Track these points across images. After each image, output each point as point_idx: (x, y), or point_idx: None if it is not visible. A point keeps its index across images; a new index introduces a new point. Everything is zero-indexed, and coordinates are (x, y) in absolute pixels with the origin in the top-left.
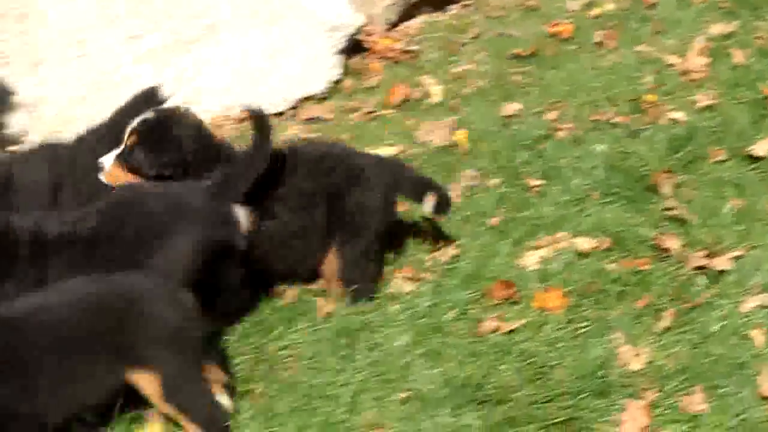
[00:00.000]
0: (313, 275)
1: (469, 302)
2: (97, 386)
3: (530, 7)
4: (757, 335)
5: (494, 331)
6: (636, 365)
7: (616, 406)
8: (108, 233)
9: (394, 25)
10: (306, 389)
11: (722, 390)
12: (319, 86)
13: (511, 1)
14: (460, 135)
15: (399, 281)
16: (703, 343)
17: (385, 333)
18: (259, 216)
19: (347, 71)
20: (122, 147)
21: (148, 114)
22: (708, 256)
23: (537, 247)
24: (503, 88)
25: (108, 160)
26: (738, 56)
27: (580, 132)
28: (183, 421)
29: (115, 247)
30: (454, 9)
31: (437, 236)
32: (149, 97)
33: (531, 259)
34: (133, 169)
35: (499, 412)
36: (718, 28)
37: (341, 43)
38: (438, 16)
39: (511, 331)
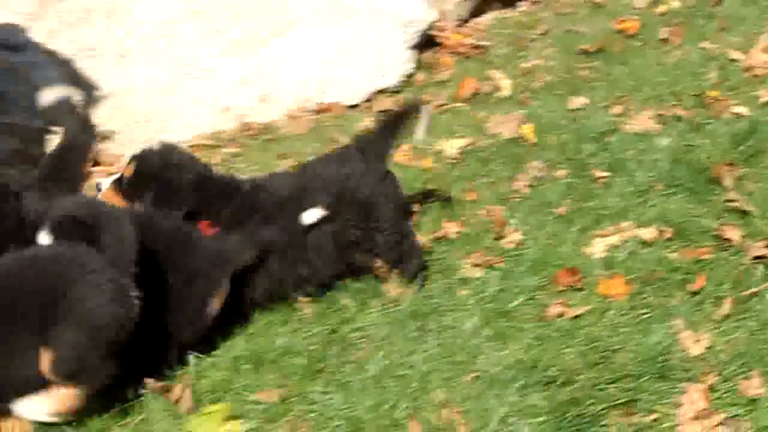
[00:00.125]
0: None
1: (536, 288)
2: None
3: (597, 5)
4: None
5: (560, 316)
6: (696, 350)
7: (676, 390)
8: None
9: (465, 21)
10: (378, 369)
11: None
12: (392, 80)
13: None
14: (528, 128)
15: (468, 267)
16: (761, 329)
17: (454, 317)
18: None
19: (419, 65)
20: (119, 173)
21: (148, 146)
22: None
23: (602, 236)
24: (570, 83)
25: (105, 183)
26: None
27: (644, 126)
28: None
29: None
30: (523, 6)
31: (505, 224)
32: None
33: (596, 248)
34: (127, 196)
35: (563, 392)
36: None
37: (414, 38)
38: (507, 13)
39: (575, 317)
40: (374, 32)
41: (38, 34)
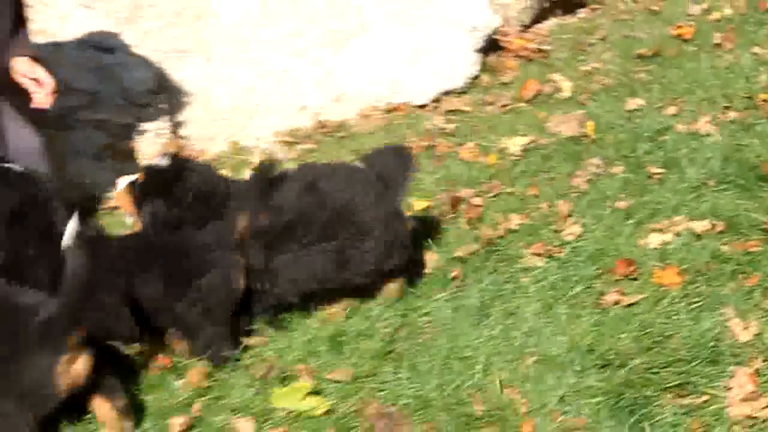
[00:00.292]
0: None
1: (594, 277)
2: None
3: (654, 11)
4: None
5: (616, 303)
6: (744, 337)
7: (726, 373)
8: None
9: (528, 26)
10: (444, 351)
11: None
12: (458, 81)
13: (636, 5)
14: (588, 127)
15: (530, 257)
16: None
17: (517, 303)
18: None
19: (484, 68)
20: (136, 177)
21: (163, 159)
22: None
23: (656, 229)
24: (627, 85)
25: (122, 184)
26: None
27: (697, 125)
28: None
29: None
30: (583, 12)
31: (565, 218)
32: None
33: (651, 240)
34: (136, 200)
35: (618, 375)
36: None
37: (479, 42)
38: (568, 19)
39: (631, 304)
40: (442, 37)
41: (130, 36)
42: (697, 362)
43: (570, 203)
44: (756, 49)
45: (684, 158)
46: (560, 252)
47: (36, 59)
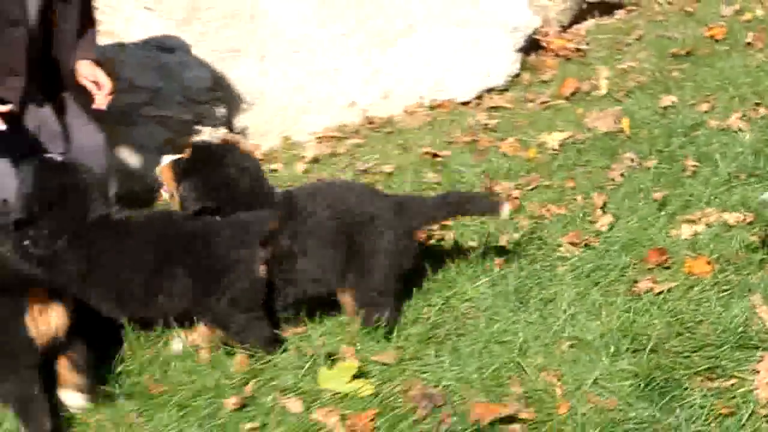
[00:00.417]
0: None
1: (627, 266)
2: None
3: (688, 13)
4: None
5: (648, 291)
6: None
7: (753, 358)
8: None
9: (567, 27)
10: (484, 335)
11: None
12: (500, 79)
13: (671, 6)
14: (623, 123)
15: (567, 246)
16: None
17: (554, 290)
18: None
19: (525, 67)
20: (180, 155)
21: (209, 139)
22: None
23: (688, 221)
24: (662, 83)
25: (166, 160)
26: None
27: (729, 122)
28: None
29: None
30: (619, 14)
31: (600, 209)
32: None
33: (683, 231)
34: (177, 177)
35: (650, 359)
36: None
37: (520, 42)
38: (605, 20)
39: (662, 292)
40: (485, 37)
41: (188, 37)
42: (726, 347)
43: (605, 195)
44: None
45: (716, 153)
46: (595, 241)
47: (98, 63)
